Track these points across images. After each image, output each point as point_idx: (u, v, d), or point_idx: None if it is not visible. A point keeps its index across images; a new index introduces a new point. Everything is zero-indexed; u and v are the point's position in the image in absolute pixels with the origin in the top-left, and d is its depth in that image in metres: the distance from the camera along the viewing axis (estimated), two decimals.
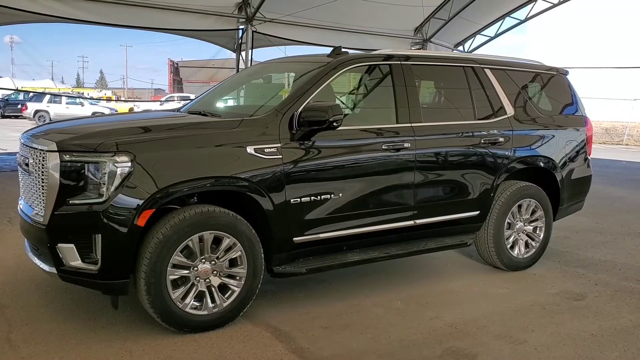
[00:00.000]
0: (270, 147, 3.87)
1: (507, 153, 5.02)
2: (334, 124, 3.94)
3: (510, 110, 5.13)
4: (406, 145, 4.43)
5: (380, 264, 5.22)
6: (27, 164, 3.78)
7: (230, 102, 5.25)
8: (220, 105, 5.03)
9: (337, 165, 4.15)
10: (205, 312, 3.73)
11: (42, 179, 3.55)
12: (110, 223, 3.40)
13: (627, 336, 3.90)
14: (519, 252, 5.26)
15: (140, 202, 3.43)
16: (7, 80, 54.96)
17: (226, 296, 3.81)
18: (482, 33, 16.17)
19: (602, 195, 10.08)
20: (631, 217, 8.13)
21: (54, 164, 3.46)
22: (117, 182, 3.41)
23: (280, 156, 3.89)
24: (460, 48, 16.60)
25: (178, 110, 5.11)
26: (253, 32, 12.77)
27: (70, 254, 3.48)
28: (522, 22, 15.55)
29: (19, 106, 32.26)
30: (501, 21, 15.65)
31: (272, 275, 4.08)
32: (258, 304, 4.17)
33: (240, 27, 12.91)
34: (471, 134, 4.85)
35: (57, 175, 3.45)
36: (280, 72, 5.47)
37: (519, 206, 5.20)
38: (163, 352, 3.46)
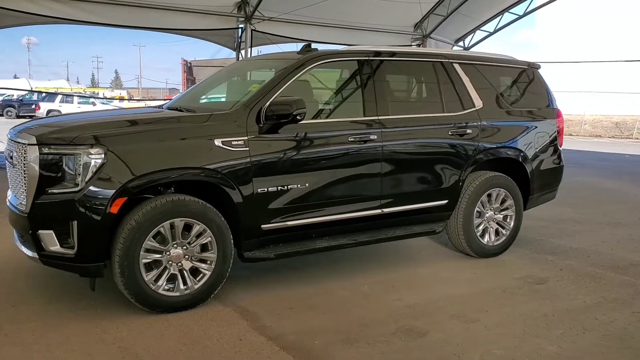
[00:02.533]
0: (238, 140, 4.12)
1: (474, 144, 5.23)
2: (297, 117, 4.19)
3: (478, 103, 5.34)
4: (372, 137, 4.66)
5: (354, 252, 5.45)
6: (11, 157, 4.08)
7: (208, 99, 5.50)
8: (197, 101, 5.28)
9: (303, 156, 4.38)
10: (177, 294, 4.00)
11: (24, 171, 3.84)
12: (85, 211, 3.68)
13: (577, 316, 4.11)
14: (489, 239, 5.47)
15: (113, 191, 3.70)
16: (24, 81, 56.12)
17: (197, 279, 4.07)
18: (481, 29, 16.30)
19: (593, 187, 10.25)
20: (615, 208, 8.28)
21: (34, 156, 3.75)
22: (91, 172, 3.69)
23: (247, 148, 4.14)
24: (461, 44, 16.73)
25: (160, 107, 5.38)
26: (252, 30, 13.04)
27: (49, 239, 3.76)
28: (520, 17, 15.64)
29: (33, 106, 32.95)
30: (500, 16, 15.78)
31: (242, 260, 4.34)
32: (231, 287, 4.44)
33: (240, 26, 13.18)
34: (438, 126, 5.07)
35: (37, 166, 3.74)
36: (256, 69, 5.72)
37: (489, 195, 5.40)
38: (135, 329, 3.73)
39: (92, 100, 33.46)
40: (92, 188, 3.68)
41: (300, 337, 3.67)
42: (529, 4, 15.32)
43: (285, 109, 4.15)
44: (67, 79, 76.51)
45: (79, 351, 3.42)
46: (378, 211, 4.79)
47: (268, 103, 4.23)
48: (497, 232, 5.53)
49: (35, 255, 3.86)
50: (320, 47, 5.40)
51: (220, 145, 4.06)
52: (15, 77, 66.73)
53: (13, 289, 4.41)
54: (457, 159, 5.15)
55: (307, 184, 4.41)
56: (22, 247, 4.08)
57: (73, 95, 33.78)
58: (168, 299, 3.97)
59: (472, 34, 16.48)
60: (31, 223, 3.78)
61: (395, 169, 4.82)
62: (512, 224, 5.58)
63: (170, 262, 3.97)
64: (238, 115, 4.22)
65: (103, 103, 33.13)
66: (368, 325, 3.89)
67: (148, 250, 3.87)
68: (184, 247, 4.00)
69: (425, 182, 5.03)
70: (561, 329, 3.87)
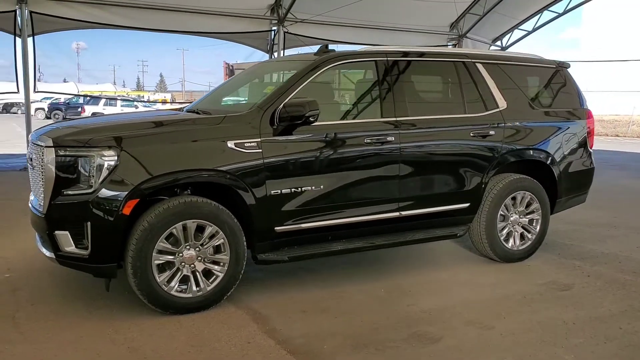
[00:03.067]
0: (250, 142, 4.11)
1: (498, 146, 5.09)
2: (310, 119, 4.16)
3: (502, 103, 5.20)
4: (389, 139, 4.58)
5: (375, 255, 5.39)
6: (32, 159, 4.17)
7: (228, 101, 5.51)
8: (217, 103, 5.28)
9: (318, 158, 4.35)
10: (190, 295, 4.01)
11: (42, 172, 3.92)
12: (98, 212, 3.74)
13: (599, 324, 3.95)
14: (513, 244, 5.31)
15: (125, 192, 3.74)
16: (72, 85, 58.38)
17: (210, 281, 4.08)
18: (520, 27, 15.93)
19: (634, 190, 9.88)
20: None
21: (50, 158, 3.82)
22: (104, 174, 3.74)
23: (260, 150, 4.13)
24: (498, 43, 16.40)
25: (180, 109, 5.42)
26: (285, 32, 13.07)
27: (65, 240, 3.84)
28: (560, 15, 15.22)
29: (79, 109, 33.98)
30: (539, 15, 15.40)
31: (256, 262, 4.33)
32: (246, 289, 4.44)
33: (273, 28, 13.22)
34: (459, 127, 4.96)
35: (53, 168, 3.81)
36: (275, 71, 5.70)
37: (513, 198, 5.25)
38: (147, 330, 3.76)
39: (135, 103, 34.24)
40: (105, 190, 3.73)
41: (309, 341, 3.63)
42: (569, 2, 14.92)
43: (298, 111, 4.13)
44: (114, 83, 78.49)
45: (89, 350, 3.46)
46: (396, 214, 4.72)
47: (282, 105, 4.21)
48: (522, 237, 5.37)
49: (52, 255, 3.94)
50: (354, 48, 5.40)
51: (233, 147, 4.06)
52: (64, 80, 69.07)
53: (35, 289, 4.51)
54: (479, 160, 5.03)
55: (321, 186, 4.37)
56: (42, 248, 4.16)
57: (116, 99, 34.67)
58: (180, 300, 3.99)
59: (510, 33, 16.13)
60: (48, 224, 3.86)
61: (414, 171, 4.74)
62: (538, 228, 5.41)
63: (182, 264, 3.98)
64: (252, 117, 4.22)
65: (145, 106, 33.83)
66: (379, 330, 3.82)
67: (160, 252, 3.90)
68: (197, 249, 4.01)
69: (445, 185, 4.93)
70: (581, 338, 3.73)
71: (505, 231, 5.27)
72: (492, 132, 5.06)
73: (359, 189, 4.55)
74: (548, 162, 5.40)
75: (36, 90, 11.06)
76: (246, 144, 4.10)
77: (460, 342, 3.65)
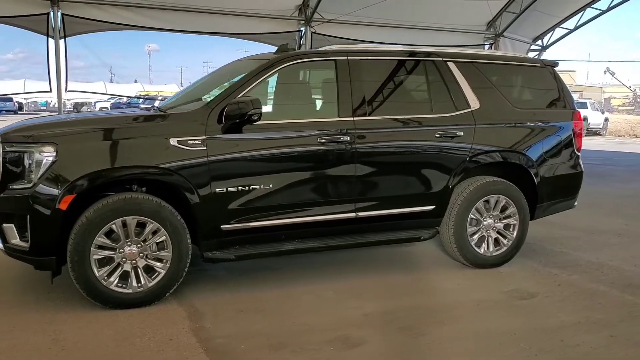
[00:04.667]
0: (194, 140, 4.13)
1: (466, 147, 4.91)
2: (253, 117, 4.15)
3: (475, 104, 5.01)
4: (344, 138, 4.50)
5: (349, 256, 5.33)
6: None
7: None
8: (177, 102, 5.28)
9: (267, 157, 4.33)
10: (130, 291, 4.07)
11: None
12: (37, 206, 3.85)
13: (540, 335, 3.74)
14: (486, 249, 5.11)
15: (61, 188, 3.84)
16: (138, 85, 61.34)
17: (152, 277, 4.13)
18: (561, 26, 15.31)
19: None
20: None
21: None
22: (42, 169, 3.85)
23: (205, 148, 4.14)
24: (539, 42, 15.82)
25: (152, 107, 5.50)
26: (312, 33, 13.07)
27: (11, 232, 3.98)
28: (603, 12, 14.54)
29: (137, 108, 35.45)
30: (582, 12, 14.75)
31: (203, 260, 4.35)
32: (197, 287, 4.51)
33: (301, 28, 13.26)
34: (423, 127, 4.82)
35: (0, 163, 3.96)
36: (243, 70, 5.69)
37: (487, 202, 5.05)
38: (80, 322, 3.83)
39: None
40: (43, 185, 3.84)
41: (230, 341, 3.61)
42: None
43: (241, 109, 4.12)
44: (180, 84, 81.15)
45: (15, 340, 3.56)
46: (352, 215, 4.63)
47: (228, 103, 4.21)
48: (497, 242, 5.16)
49: (2, 247, 4.09)
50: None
51: (176, 144, 4.09)
52: (135, 81, 72.31)
53: (2, 279, 4.70)
54: (444, 162, 4.86)
55: (270, 185, 4.34)
56: None
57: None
58: (120, 295, 4.05)
59: (551, 32, 15.53)
60: None
61: (371, 173, 4.63)
62: (515, 233, 5.17)
63: (123, 259, 4.04)
64: (199, 114, 4.24)
65: None
66: (306, 332, 3.76)
67: (100, 247, 3.97)
68: (138, 245, 4.07)
69: (405, 187, 4.80)
70: (514, 349, 3.55)
71: (476, 236, 5.07)
72: (460, 133, 4.89)
73: (311, 189, 4.50)
74: (526, 165, 5.16)
75: (67, 89, 11.49)
76: (189, 142, 4.12)
77: (381, 348, 3.55)
